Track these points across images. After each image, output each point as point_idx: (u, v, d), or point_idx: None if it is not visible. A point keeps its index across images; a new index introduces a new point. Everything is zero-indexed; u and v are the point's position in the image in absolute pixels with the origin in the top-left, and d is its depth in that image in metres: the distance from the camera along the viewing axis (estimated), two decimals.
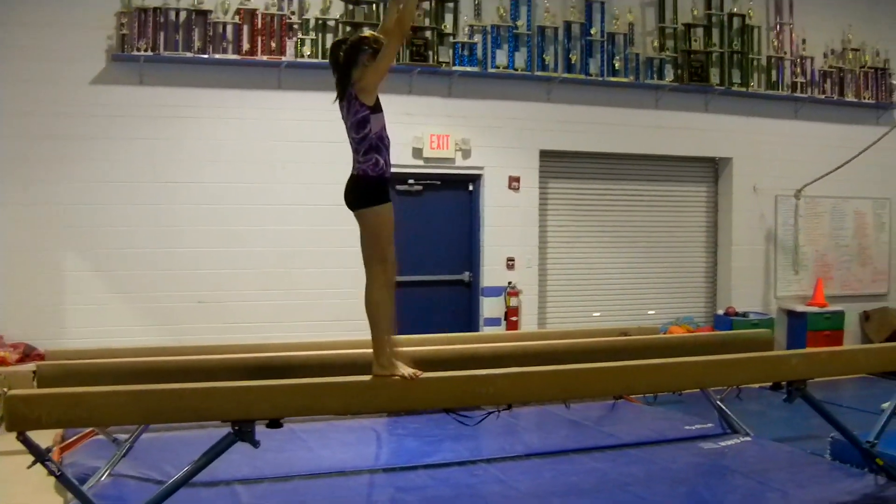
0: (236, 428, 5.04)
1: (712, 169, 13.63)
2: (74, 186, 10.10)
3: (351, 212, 5.46)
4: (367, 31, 5.72)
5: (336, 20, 10.99)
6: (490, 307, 11.82)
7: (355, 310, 10.57)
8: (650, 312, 12.81)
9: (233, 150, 10.65)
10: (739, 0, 13.21)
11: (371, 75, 5.24)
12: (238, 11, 10.62)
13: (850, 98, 13.98)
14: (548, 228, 12.40)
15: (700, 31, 12.99)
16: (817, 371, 7.11)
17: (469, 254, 11.95)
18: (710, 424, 8.58)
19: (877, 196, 14.39)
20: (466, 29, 11.58)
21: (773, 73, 13.46)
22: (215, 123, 10.59)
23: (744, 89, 13.16)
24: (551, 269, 12.45)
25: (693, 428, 8.57)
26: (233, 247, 10.60)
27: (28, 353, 9.53)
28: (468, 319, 11.89)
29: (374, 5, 11.08)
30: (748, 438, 8.18)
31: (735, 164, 13.38)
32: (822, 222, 14.00)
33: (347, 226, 10.81)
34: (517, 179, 11.92)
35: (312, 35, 10.91)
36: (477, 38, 11.62)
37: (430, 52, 11.32)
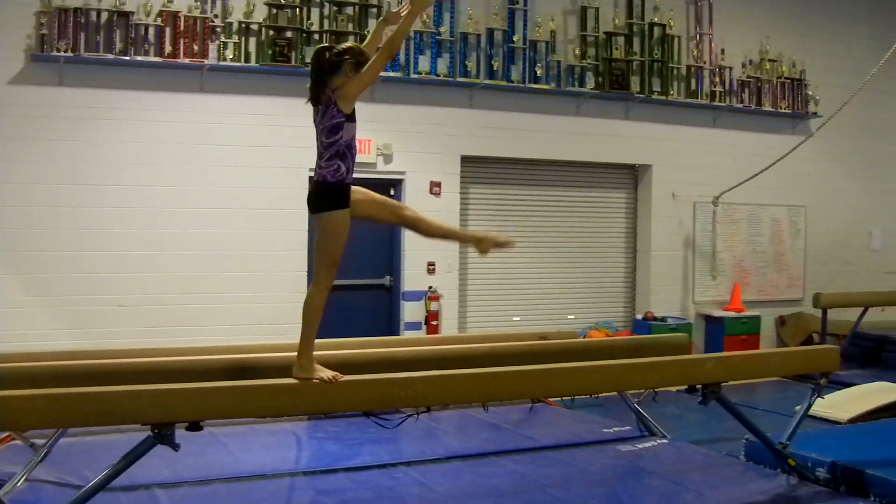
0: (156, 431, 5.01)
1: (632, 175, 13.82)
2: None
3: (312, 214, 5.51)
4: (352, 42, 5.87)
5: (259, 24, 10.96)
6: (411, 311, 11.87)
7: (278, 314, 10.71)
8: (570, 317, 12.93)
9: (155, 153, 10.56)
10: (660, 10, 13.41)
11: (355, 85, 5.32)
12: (160, 13, 10.55)
13: (767, 107, 14.29)
14: None
15: (621, 39, 13.16)
16: (731, 374, 7.24)
17: (390, 258, 11.99)
18: (627, 427, 8.67)
19: (793, 203, 14.70)
20: (389, 34, 11.58)
21: (693, 81, 13.70)
22: (137, 126, 10.50)
23: (663, 97, 13.38)
24: (472, 273, 12.53)
25: (611, 430, 8.64)
26: (154, 250, 10.52)
27: None
28: (389, 323, 11.93)
29: (297, 9, 11.07)
30: (665, 441, 8.27)
31: (654, 170, 13.57)
32: (739, 229, 14.26)
33: (270, 229, 10.96)
34: (438, 185, 11.99)
35: (235, 38, 10.87)
36: None
37: None
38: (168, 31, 10.56)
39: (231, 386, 5.28)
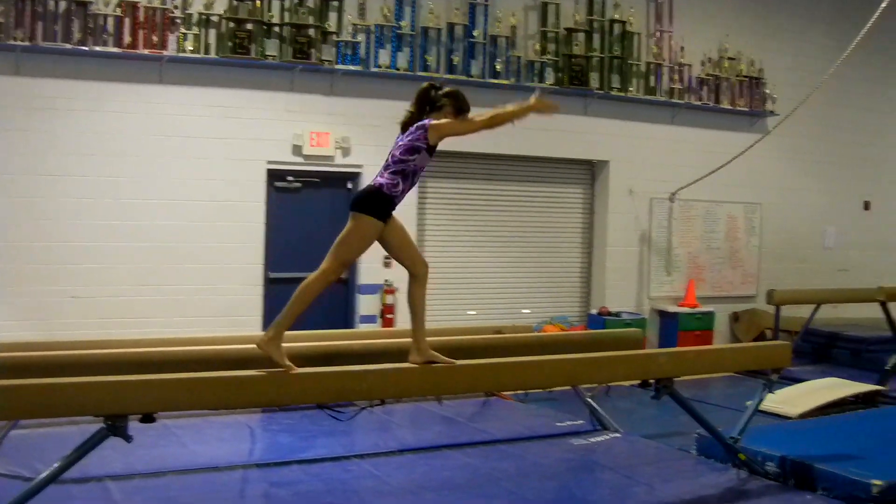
0: (109, 423, 5.02)
1: (589, 171, 13.89)
2: None
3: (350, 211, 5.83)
4: (455, 88, 6.30)
5: (220, 16, 10.91)
6: (366, 305, 11.87)
7: (232, 306, 10.68)
8: (525, 311, 12.97)
9: (112, 144, 10.48)
10: (621, 7, 13.46)
11: (452, 127, 5.94)
12: (120, 4, 10.44)
13: (725, 105, 14.40)
14: (426, 227, 12.53)
15: (581, 36, 13.23)
16: (684, 369, 7.37)
17: None
18: (580, 421, 8.76)
19: (748, 201, 14.83)
20: (350, 28, 11.61)
21: (652, 79, 13.78)
22: (95, 116, 10.42)
23: (622, 94, 13.45)
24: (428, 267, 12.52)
25: (564, 424, 8.74)
26: (110, 241, 10.45)
27: None
28: (344, 317, 11.89)
29: (257, 2, 11.03)
30: (618, 435, 8.37)
31: (612, 166, 13.64)
32: (695, 225, 14.37)
33: (226, 222, 10.93)
34: None
35: (195, 30, 10.81)
36: (360, 38, 11.65)
37: (313, 50, 11.31)
38: (127, 21, 10.46)
39: (185, 378, 5.28)
